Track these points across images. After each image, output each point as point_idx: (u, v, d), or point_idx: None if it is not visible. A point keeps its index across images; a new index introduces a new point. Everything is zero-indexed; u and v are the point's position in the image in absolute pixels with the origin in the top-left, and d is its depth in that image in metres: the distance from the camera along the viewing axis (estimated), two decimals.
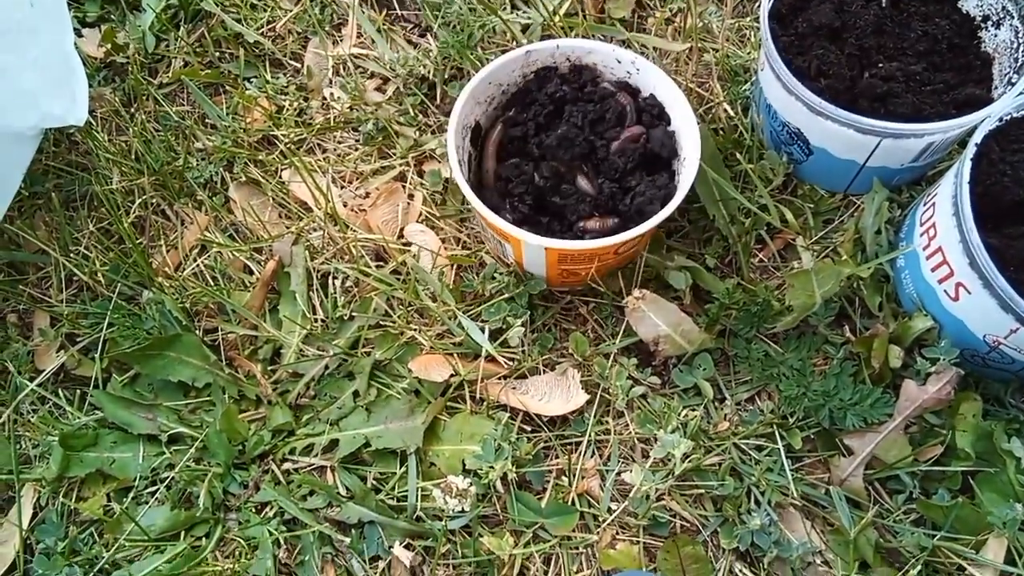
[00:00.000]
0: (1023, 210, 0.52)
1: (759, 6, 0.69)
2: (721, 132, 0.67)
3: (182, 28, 0.76)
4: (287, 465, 0.59)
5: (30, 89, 0.53)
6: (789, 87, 0.57)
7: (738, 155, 0.64)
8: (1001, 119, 0.54)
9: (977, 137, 0.52)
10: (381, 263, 0.66)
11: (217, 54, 0.75)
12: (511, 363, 0.60)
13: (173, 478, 0.57)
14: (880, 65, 0.60)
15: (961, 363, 0.55)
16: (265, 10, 0.78)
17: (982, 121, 0.53)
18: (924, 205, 0.57)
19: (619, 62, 0.60)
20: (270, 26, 0.77)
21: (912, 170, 0.61)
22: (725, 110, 0.68)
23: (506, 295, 0.62)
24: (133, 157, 0.69)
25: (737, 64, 0.70)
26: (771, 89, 0.60)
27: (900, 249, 0.59)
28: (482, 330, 0.60)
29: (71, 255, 0.66)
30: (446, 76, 0.73)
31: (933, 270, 0.54)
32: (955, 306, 0.53)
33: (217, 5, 0.74)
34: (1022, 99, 0.53)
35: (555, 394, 0.59)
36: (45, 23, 0.53)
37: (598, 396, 0.59)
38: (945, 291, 0.54)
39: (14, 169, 0.59)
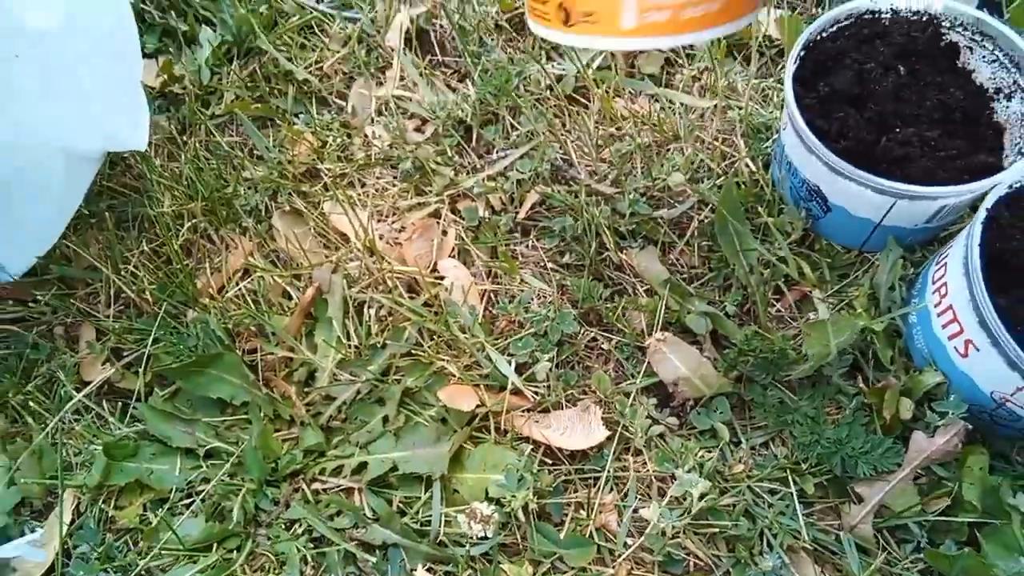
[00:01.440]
0: None
1: (783, 68, 0.73)
2: (743, 185, 0.71)
3: (235, 63, 0.81)
4: (316, 485, 0.61)
5: (98, 114, 0.57)
6: (810, 147, 0.60)
7: (759, 208, 0.67)
8: (1011, 186, 0.57)
9: (988, 203, 0.55)
10: (414, 295, 0.69)
11: (267, 89, 0.80)
12: (536, 397, 0.63)
13: (208, 492, 0.59)
14: (897, 130, 0.63)
15: (969, 419, 0.57)
16: (314, 50, 0.82)
17: (993, 187, 0.56)
18: (936, 264, 0.60)
19: None
20: (318, 65, 0.81)
21: (925, 231, 0.64)
22: (747, 165, 0.72)
23: (533, 329, 0.64)
24: (185, 183, 0.73)
25: (760, 122, 0.74)
26: (793, 148, 0.64)
27: (913, 306, 0.62)
28: (509, 363, 0.63)
29: (120, 273, 0.69)
30: (482, 120, 0.77)
31: (944, 327, 0.57)
32: (964, 362, 0.56)
33: (271, 43, 0.79)
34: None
35: (576, 429, 0.61)
36: (120, 53, 0.57)
37: (618, 433, 0.61)
38: (955, 347, 0.56)
39: (76, 188, 0.63)
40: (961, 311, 0.55)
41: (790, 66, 0.63)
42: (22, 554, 0.56)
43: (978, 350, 0.54)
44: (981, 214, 0.55)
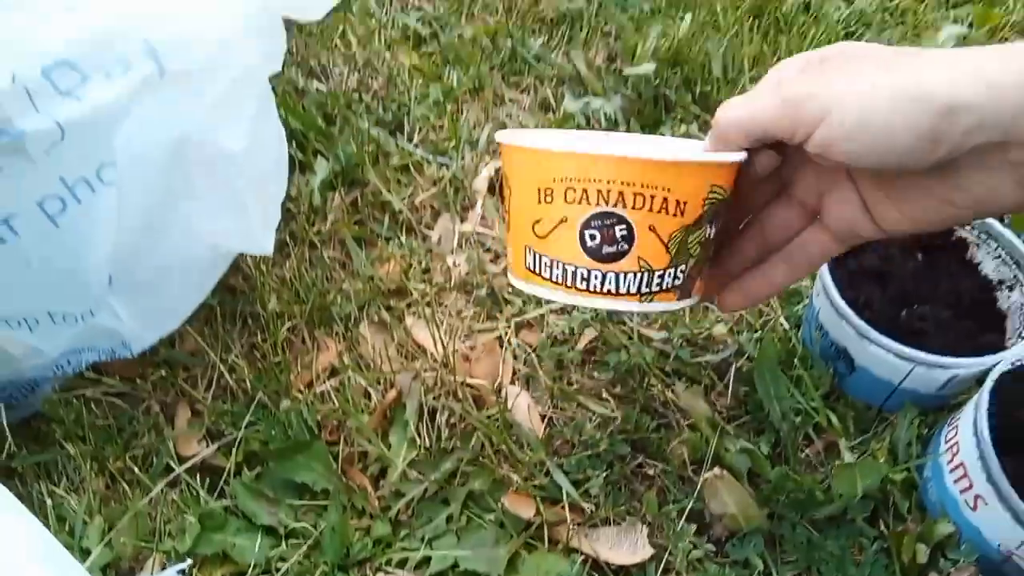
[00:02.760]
0: None
1: None
2: (778, 342, 0.80)
3: (341, 190, 0.94)
4: (381, 574, 0.67)
5: (251, 224, 0.68)
6: (841, 313, 0.71)
7: (794, 362, 0.77)
8: (1013, 363, 0.67)
9: (994, 375, 0.65)
10: (480, 408, 0.77)
11: (367, 214, 0.92)
12: (587, 511, 0.69)
13: (286, 569, 0.65)
14: (915, 307, 0.74)
15: (989, 569, 0.64)
16: (408, 186, 0.95)
17: (999, 362, 0.66)
18: (949, 426, 0.69)
19: None
20: (411, 199, 0.94)
21: (938, 398, 0.73)
22: (781, 324, 0.82)
23: (588, 452, 0.72)
24: (288, 288, 0.83)
25: (792, 288, 0.85)
26: (825, 312, 0.74)
27: (928, 458, 0.69)
28: (566, 478, 0.70)
29: (223, 361, 0.78)
30: None
31: (955, 482, 0.65)
32: (974, 515, 0.63)
33: (376, 178, 0.92)
34: None
35: (624, 545, 0.68)
36: (276, 175, 0.69)
37: (662, 555, 0.67)
38: (965, 501, 0.64)
39: (209, 280, 0.72)
40: (971, 468, 0.62)
41: None
42: None
43: (987, 504, 0.61)
44: (989, 384, 0.64)
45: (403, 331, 0.82)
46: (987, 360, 0.66)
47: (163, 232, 0.61)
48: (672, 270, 0.49)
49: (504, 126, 1.00)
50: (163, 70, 0.53)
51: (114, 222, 0.56)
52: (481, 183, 0.94)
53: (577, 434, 0.74)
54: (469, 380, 0.78)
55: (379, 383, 0.78)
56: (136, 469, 0.71)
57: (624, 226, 0.47)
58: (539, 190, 0.48)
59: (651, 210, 0.46)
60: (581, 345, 0.82)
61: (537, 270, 0.51)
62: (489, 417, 0.76)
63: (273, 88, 0.69)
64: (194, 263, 0.68)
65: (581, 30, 1.12)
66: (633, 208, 0.46)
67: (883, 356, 0.69)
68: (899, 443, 0.72)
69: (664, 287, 0.50)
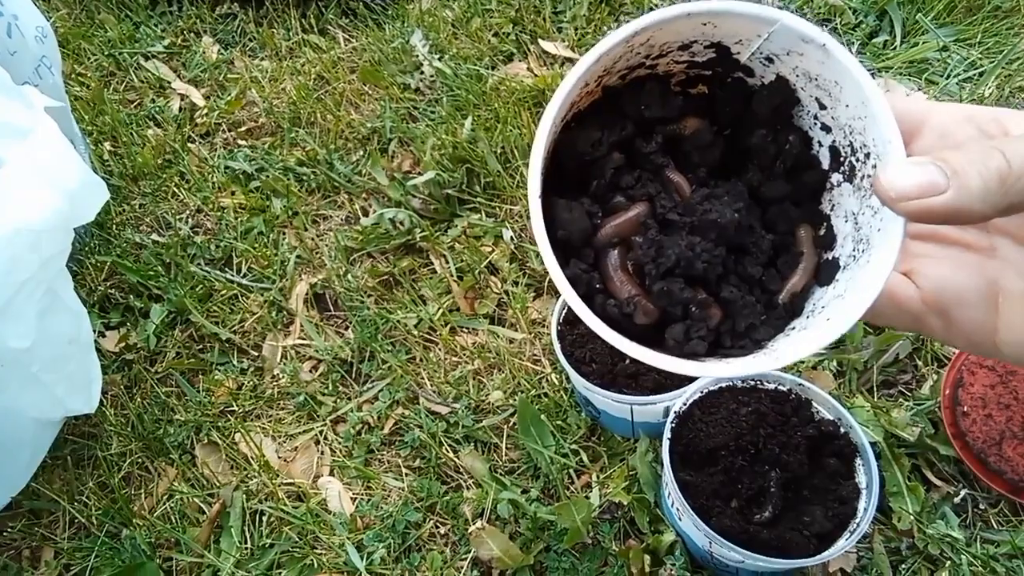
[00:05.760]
0: (712, 456, 0.77)
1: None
2: (548, 396, 0.94)
3: (177, 329, 1.08)
4: None
5: (60, 394, 0.82)
6: (570, 374, 0.85)
7: (558, 413, 0.90)
8: (685, 402, 0.81)
9: (676, 406, 0.78)
10: (299, 502, 0.90)
11: (200, 347, 1.06)
12: None
13: None
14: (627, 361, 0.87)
15: (702, 565, 0.76)
16: (238, 313, 1.09)
17: (682, 395, 0.80)
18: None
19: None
20: (241, 324, 1.08)
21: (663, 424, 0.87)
22: (552, 380, 0.96)
23: (387, 523, 0.85)
24: (129, 428, 0.96)
25: None
26: (568, 369, 0.88)
27: (663, 481, 0.83)
28: (360, 553, 0.82)
29: (75, 502, 0.91)
30: (359, 358, 1.02)
31: (668, 496, 0.78)
32: (680, 524, 0.76)
33: (202, 315, 1.06)
34: (707, 382, 0.80)
35: None
36: (75, 349, 0.83)
37: None
38: (675, 511, 0.77)
39: (43, 443, 0.86)
40: (672, 485, 0.76)
41: (554, 319, 0.89)
42: None
43: (685, 514, 0.74)
44: (671, 416, 0.78)
45: (231, 447, 0.95)
46: (673, 394, 0.80)
47: None
48: None
49: (315, 248, 1.15)
50: None
51: None
52: (297, 300, 1.08)
53: (373, 510, 0.86)
54: (288, 480, 0.91)
55: (212, 497, 0.91)
56: None
57: None
58: None
59: None
60: (387, 429, 0.95)
61: None
62: (306, 511, 0.88)
63: (74, 270, 0.83)
64: (21, 436, 0.81)
65: (383, 143, 1.28)
66: None
67: (608, 401, 0.83)
68: (638, 467, 0.85)
69: None
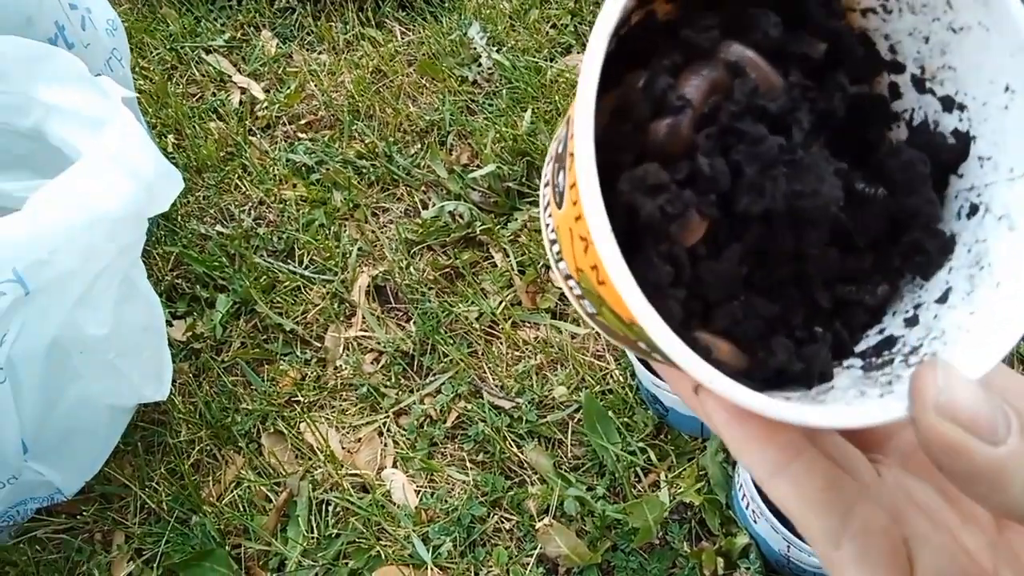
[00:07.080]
0: None
1: None
2: (613, 392, 0.93)
3: (242, 319, 1.09)
4: None
5: (136, 382, 0.83)
6: (640, 364, 0.83)
7: (624, 410, 0.89)
8: None
9: None
10: (364, 493, 0.90)
11: (264, 338, 1.07)
12: (450, 571, 0.81)
13: None
14: None
15: (778, 570, 0.74)
16: (300, 304, 1.10)
17: None
18: None
19: None
20: (304, 315, 1.09)
21: None
22: (616, 377, 0.94)
23: (452, 516, 0.85)
24: (197, 415, 0.98)
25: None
26: (635, 363, 0.87)
27: (735, 482, 0.81)
28: (426, 546, 0.82)
29: (146, 488, 0.92)
30: (421, 351, 1.02)
31: (742, 499, 0.76)
32: (755, 527, 0.74)
33: (266, 305, 1.07)
34: None
35: None
36: (150, 336, 0.84)
37: None
38: (751, 514, 0.75)
39: (116, 429, 0.87)
40: (747, 485, 0.74)
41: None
42: None
43: (761, 516, 0.72)
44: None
45: (296, 437, 0.96)
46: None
47: (61, 406, 0.76)
48: None
49: (377, 239, 1.15)
50: (28, 290, 0.68)
51: (12, 411, 0.71)
52: (358, 292, 1.09)
53: (439, 503, 0.86)
54: (353, 471, 0.91)
55: (279, 486, 0.92)
56: None
57: None
58: None
59: None
60: (450, 422, 0.95)
61: None
62: (371, 502, 0.89)
63: (146, 259, 0.85)
64: (97, 422, 0.83)
65: (442, 136, 1.27)
66: None
67: (679, 398, 0.81)
68: (708, 467, 0.83)
69: None
